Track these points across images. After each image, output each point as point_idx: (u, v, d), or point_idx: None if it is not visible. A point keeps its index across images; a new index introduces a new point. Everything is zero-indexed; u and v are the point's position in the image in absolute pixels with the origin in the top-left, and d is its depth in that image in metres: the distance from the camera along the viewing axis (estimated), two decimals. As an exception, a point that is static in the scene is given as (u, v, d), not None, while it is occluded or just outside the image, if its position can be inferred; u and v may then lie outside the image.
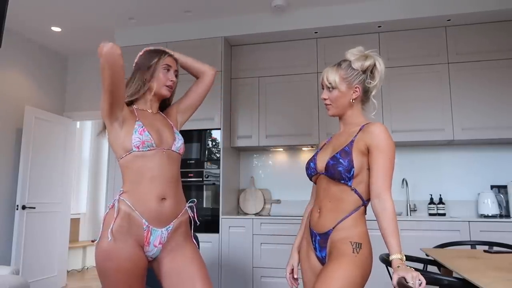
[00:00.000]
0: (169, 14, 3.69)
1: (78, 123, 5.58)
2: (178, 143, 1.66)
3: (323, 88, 1.61)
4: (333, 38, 3.71)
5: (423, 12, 3.35)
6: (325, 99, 1.58)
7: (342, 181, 1.47)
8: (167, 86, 1.68)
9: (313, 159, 1.62)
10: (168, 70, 1.68)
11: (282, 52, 3.82)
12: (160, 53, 1.70)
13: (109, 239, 1.45)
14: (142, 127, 1.57)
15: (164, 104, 1.80)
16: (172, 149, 1.63)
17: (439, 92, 3.42)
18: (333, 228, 1.46)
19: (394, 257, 1.29)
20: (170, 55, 1.72)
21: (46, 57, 4.54)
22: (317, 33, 3.66)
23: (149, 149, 1.55)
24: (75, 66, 4.84)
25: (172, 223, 1.57)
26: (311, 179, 1.64)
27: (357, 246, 1.41)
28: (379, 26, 3.53)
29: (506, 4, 3.20)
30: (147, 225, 1.50)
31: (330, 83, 1.55)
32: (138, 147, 1.53)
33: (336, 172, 1.46)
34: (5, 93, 3.99)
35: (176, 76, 1.73)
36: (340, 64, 1.57)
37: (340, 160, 1.46)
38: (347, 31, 3.63)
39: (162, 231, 1.54)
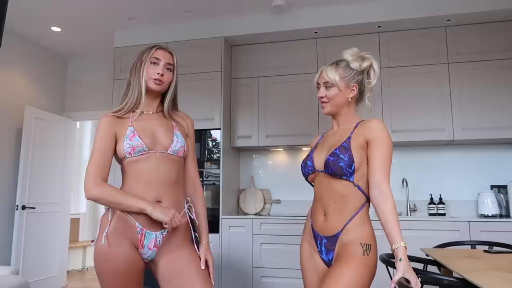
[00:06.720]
0: (169, 14, 3.69)
1: (78, 123, 5.58)
2: (176, 146, 1.59)
3: (318, 87, 1.64)
4: (333, 38, 3.71)
5: (423, 12, 3.35)
6: (322, 97, 1.60)
7: (344, 177, 1.47)
8: (153, 79, 1.60)
9: (309, 158, 1.62)
10: (156, 63, 1.61)
11: (282, 52, 3.81)
12: (150, 48, 1.64)
13: (103, 242, 1.46)
14: (133, 132, 1.54)
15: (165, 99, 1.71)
16: (168, 152, 1.57)
17: (439, 92, 3.41)
18: (342, 230, 1.46)
19: (400, 245, 1.29)
20: (163, 49, 1.65)
21: (46, 57, 4.54)
22: (317, 33, 3.66)
23: (141, 153, 1.53)
24: (75, 66, 4.84)
25: None
26: (306, 179, 1.64)
27: (367, 247, 1.42)
28: (379, 26, 3.52)
29: (506, 4, 3.20)
30: (140, 228, 1.49)
31: (329, 81, 1.57)
32: (130, 153, 1.52)
33: (337, 168, 1.46)
34: (5, 93, 3.99)
35: (171, 70, 1.65)
36: (338, 63, 1.60)
37: (341, 155, 1.47)
38: (347, 31, 3.63)
39: (157, 234, 1.51)
